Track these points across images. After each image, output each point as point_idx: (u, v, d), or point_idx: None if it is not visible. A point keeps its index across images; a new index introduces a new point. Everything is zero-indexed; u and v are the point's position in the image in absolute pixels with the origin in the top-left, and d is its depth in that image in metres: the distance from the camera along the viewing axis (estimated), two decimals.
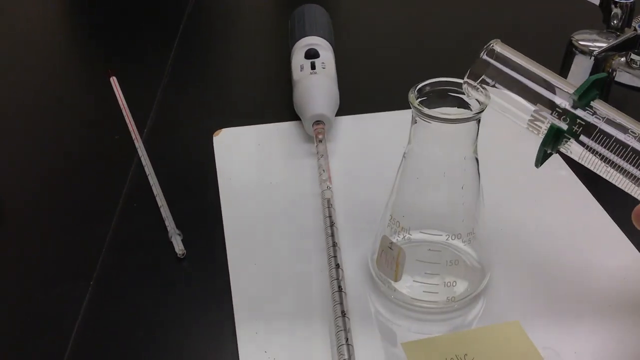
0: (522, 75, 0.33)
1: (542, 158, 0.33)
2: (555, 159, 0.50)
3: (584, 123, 0.31)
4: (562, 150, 0.33)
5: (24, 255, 0.43)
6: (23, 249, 0.44)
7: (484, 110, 0.33)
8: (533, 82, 0.33)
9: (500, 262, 0.41)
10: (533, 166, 0.47)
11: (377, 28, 0.73)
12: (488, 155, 0.48)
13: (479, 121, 0.34)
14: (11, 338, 0.38)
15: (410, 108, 0.34)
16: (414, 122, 0.35)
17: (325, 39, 0.59)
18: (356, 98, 0.58)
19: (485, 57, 0.33)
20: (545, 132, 0.32)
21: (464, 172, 0.36)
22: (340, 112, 0.54)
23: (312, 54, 0.56)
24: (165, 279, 0.41)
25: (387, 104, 0.56)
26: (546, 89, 0.32)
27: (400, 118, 0.55)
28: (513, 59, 0.33)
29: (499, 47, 0.33)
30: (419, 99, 0.34)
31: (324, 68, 0.55)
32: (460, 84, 0.34)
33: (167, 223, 0.44)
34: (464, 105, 0.35)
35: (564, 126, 0.32)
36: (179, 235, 0.43)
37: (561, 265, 0.41)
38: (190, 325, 0.38)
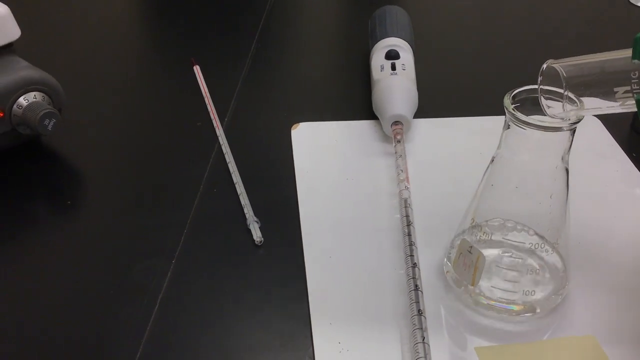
0: (589, 71, 0.32)
1: None
2: (637, 178, 0.49)
3: None
4: None
5: (113, 234, 0.45)
6: (112, 228, 0.45)
7: (581, 121, 0.33)
8: (599, 71, 0.32)
9: (581, 275, 0.40)
10: (621, 182, 0.47)
11: (458, 31, 0.73)
12: (578, 167, 0.48)
13: (573, 132, 0.34)
14: (100, 306, 0.39)
15: (504, 114, 0.34)
16: (507, 127, 0.35)
17: (405, 40, 0.59)
18: (435, 101, 0.58)
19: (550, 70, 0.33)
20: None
21: (553, 181, 0.35)
22: (418, 114, 0.54)
23: (392, 55, 0.56)
24: (242, 264, 0.42)
25: (465, 109, 0.56)
26: (613, 70, 0.32)
27: (478, 124, 0.55)
28: (571, 62, 0.33)
29: (554, 64, 0.34)
30: (513, 105, 0.34)
31: (404, 69, 0.55)
32: (556, 92, 0.34)
33: (245, 210, 0.45)
34: None
35: None
36: (257, 222, 0.44)
37: (637, 282, 0.40)
38: (264, 310, 0.39)
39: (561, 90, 0.33)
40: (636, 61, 0.30)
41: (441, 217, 0.44)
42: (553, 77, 0.33)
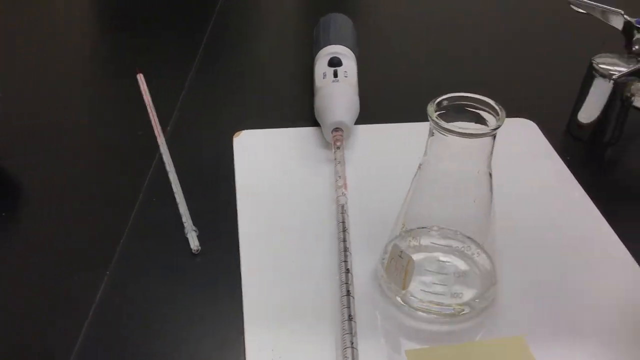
0: None
1: None
2: (569, 180, 0.50)
3: None
4: None
5: (45, 243, 0.44)
6: (44, 237, 0.45)
7: (500, 127, 0.34)
8: None
9: (509, 277, 0.41)
10: (548, 185, 0.48)
11: (402, 39, 0.74)
12: (505, 172, 0.49)
13: (494, 137, 0.35)
14: (29, 321, 0.39)
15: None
16: (431, 134, 0.36)
17: (349, 48, 0.60)
18: (377, 107, 0.59)
19: None
20: None
21: (477, 186, 0.36)
22: (360, 120, 0.55)
23: (335, 62, 0.57)
24: (179, 273, 0.42)
25: (406, 115, 0.57)
26: None
27: (418, 130, 0.56)
28: None
29: None
30: (437, 112, 0.35)
31: (346, 77, 0.55)
32: (478, 99, 0.35)
33: (184, 219, 0.45)
34: (481, 120, 0.36)
35: None
36: (195, 231, 0.44)
37: (569, 284, 0.42)
38: (199, 320, 0.39)
39: None
40: None
41: (380, 223, 0.44)
42: None
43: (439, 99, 0.35)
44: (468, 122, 0.36)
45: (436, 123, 0.34)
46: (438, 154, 0.36)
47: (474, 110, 0.36)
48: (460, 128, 0.34)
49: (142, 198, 0.48)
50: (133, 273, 0.42)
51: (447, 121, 0.34)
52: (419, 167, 0.37)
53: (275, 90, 0.63)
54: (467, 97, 0.35)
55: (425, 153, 0.37)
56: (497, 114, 0.35)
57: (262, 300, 0.40)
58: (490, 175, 0.37)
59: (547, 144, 0.54)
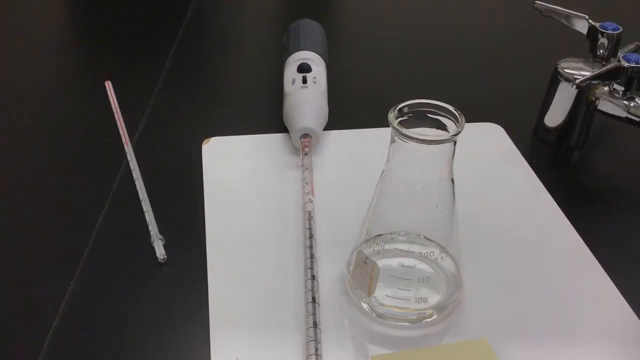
0: None
1: None
2: (535, 184, 0.51)
3: None
4: None
5: (8, 253, 0.44)
6: (8, 247, 0.44)
7: (460, 133, 0.34)
8: None
9: (473, 281, 0.41)
10: (514, 188, 0.48)
11: (371, 45, 0.74)
12: (472, 175, 0.50)
13: (455, 143, 0.35)
14: None
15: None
16: (393, 141, 0.36)
17: (318, 54, 0.60)
18: (347, 113, 0.59)
19: None
20: None
21: (438, 192, 0.37)
22: (330, 126, 0.55)
23: (304, 68, 0.57)
24: (145, 283, 0.42)
25: (376, 121, 0.57)
26: None
27: (387, 135, 0.56)
28: None
29: None
30: (399, 119, 0.35)
31: (314, 82, 0.56)
32: (438, 105, 0.36)
33: (150, 228, 0.45)
34: (442, 127, 0.36)
35: None
36: (161, 240, 0.44)
37: (534, 286, 0.42)
38: (165, 329, 0.39)
39: None
40: None
41: (348, 228, 0.44)
42: None
43: (399, 106, 0.36)
44: (429, 128, 0.36)
45: (396, 130, 0.34)
46: (400, 160, 0.36)
47: (434, 116, 0.36)
48: (420, 134, 0.34)
49: (108, 207, 0.48)
50: (98, 283, 0.42)
51: (409, 128, 0.35)
52: (382, 174, 0.38)
53: (245, 96, 0.63)
54: (427, 103, 0.36)
55: (388, 159, 0.37)
56: (457, 120, 0.35)
57: (228, 308, 0.40)
58: (452, 180, 0.37)
59: (514, 148, 0.55)
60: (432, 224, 0.38)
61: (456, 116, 0.35)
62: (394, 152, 0.36)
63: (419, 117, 0.36)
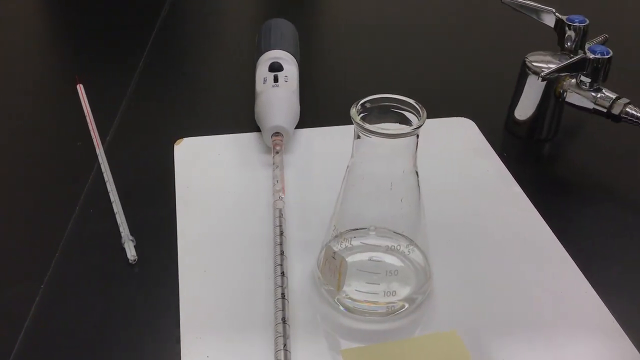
0: None
1: None
2: (506, 177, 0.51)
3: None
4: None
5: None
6: None
7: (422, 126, 0.35)
8: None
9: (442, 273, 0.42)
10: (485, 181, 0.48)
11: (343, 43, 0.74)
12: (443, 169, 0.50)
13: (417, 136, 0.35)
14: None
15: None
16: (357, 137, 0.36)
17: (290, 53, 0.60)
18: (319, 111, 0.59)
19: None
20: None
21: (403, 185, 0.37)
22: (303, 124, 0.55)
23: (275, 67, 0.57)
24: (115, 284, 0.42)
25: (348, 118, 0.58)
26: None
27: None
28: None
29: None
30: (362, 114, 0.36)
31: (286, 81, 0.56)
32: (400, 100, 0.36)
33: (121, 229, 0.45)
34: (406, 121, 0.36)
35: None
36: (132, 241, 0.44)
37: (502, 278, 0.42)
38: (136, 329, 0.39)
39: None
40: None
41: (320, 225, 0.45)
42: None
43: (361, 101, 0.36)
44: (393, 122, 0.36)
45: (359, 125, 0.35)
46: (364, 155, 0.36)
47: (397, 110, 0.36)
48: (382, 129, 0.34)
49: (80, 209, 0.48)
50: (69, 284, 0.42)
51: (373, 122, 0.35)
52: (347, 169, 0.38)
53: (218, 97, 0.63)
54: (389, 97, 0.36)
55: (352, 155, 0.37)
56: (419, 114, 0.35)
57: (198, 308, 0.40)
58: (417, 173, 0.37)
59: (484, 141, 0.55)
60: (398, 218, 0.38)
61: (418, 110, 0.35)
62: (358, 147, 0.36)
63: (383, 112, 0.37)
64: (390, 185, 0.37)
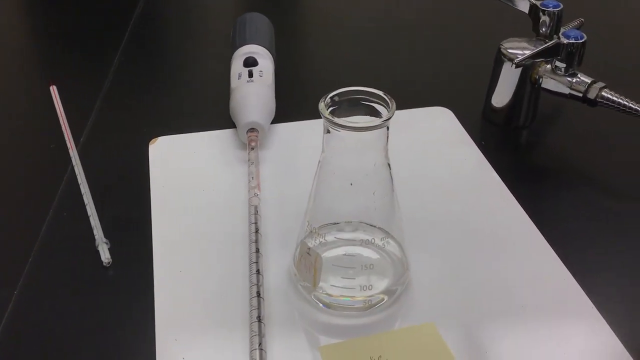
0: None
1: None
2: (484, 165, 0.51)
3: None
4: None
5: None
6: None
7: (391, 118, 0.34)
8: None
9: (418, 265, 0.41)
10: (463, 170, 0.48)
11: (320, 37, 0.74)
12: (421, 159, 0.50)
13: (387, 128, 0.35)
14: None
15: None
16: (327, 131, 0.36)
17: (265, 47, 0.60)
18: (295, 106, 0.58)
19: None
20: None
21: (375, 178, 0.36)
22: (279, 119, 0.55)
23: (250, 62, 0.56)
24: (90, 288, 0.41)
25: None
26: None
27: None
28: None
29: None
30: (331, 108, 0.35)
31: (261, 76, 0.55)
32: (368, 92, 0.35)
33: (95, 232, 0.44)
34: (376, 113, 0.36)
35: None
36: (106, 244, 0.44)
37: (480, 266, 0.42)
38: (111, 332, 0.38)
39: None
40: None
41: (296, 222, 0.44)
42: None
43: (329, 95, 0.35)
44: (363, 115, 0.36)
45: (328, 119, 0.34)
46: (334, 149, 0.36)
47: (367, 103, 0.36)
48: (351, 122, 0.34)
49: (53, 212, 0.47)
50: (43, 288, 0.41)
51: (343, 116, 0.35)
52: (319, 164, 0.37)
53: (193, 94, 0.63)
54: (358, 90, 0.36)
55: (323, 150, 0.37)
56: (388, 105, 0.35)
57: (174, 309, 0.40)
58: (389, 165, 0.37)
59: (462, 130, 0.55)
60: (372, 211, 0.38)
61: (387, 101, 0.35)
62: (328, 141, 0.36)
63: (353, 105, 0.36)
64: (363, 179, 0.36)
